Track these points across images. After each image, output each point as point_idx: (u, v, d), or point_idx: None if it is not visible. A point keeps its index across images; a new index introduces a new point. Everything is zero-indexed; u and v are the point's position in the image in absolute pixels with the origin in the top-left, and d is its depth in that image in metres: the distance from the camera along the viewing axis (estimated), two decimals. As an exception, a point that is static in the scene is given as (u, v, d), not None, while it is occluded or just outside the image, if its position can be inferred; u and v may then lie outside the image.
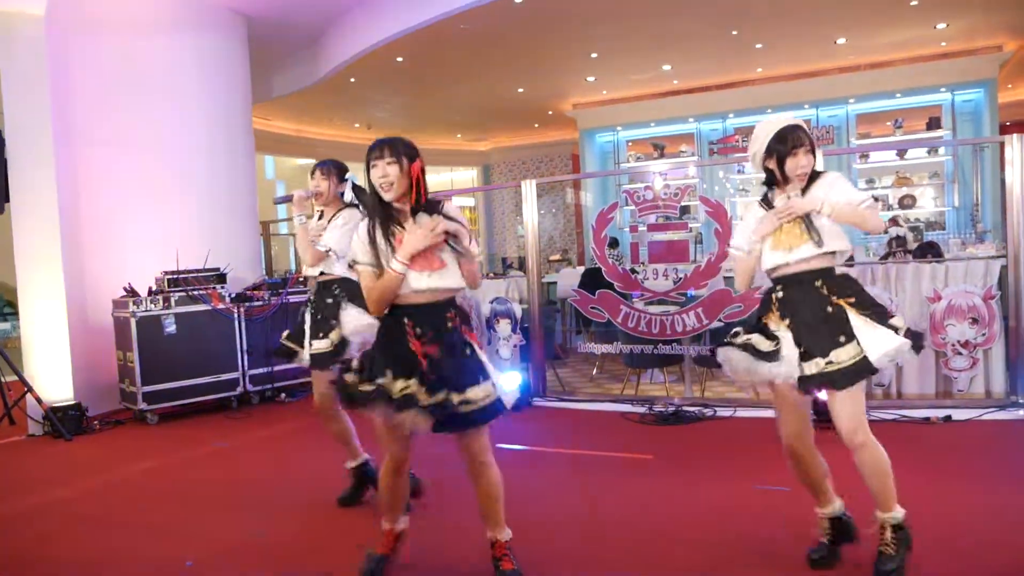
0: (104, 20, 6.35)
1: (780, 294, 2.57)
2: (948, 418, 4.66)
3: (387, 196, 2.47)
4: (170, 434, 5.43)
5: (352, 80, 9.85)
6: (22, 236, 5.73)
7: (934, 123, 10.36)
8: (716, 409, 5.21)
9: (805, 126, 2.61)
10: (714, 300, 5.34)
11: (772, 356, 2.51)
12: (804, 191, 2.59)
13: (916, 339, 2.47)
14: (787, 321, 2.53)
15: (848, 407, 2.44)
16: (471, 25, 7.82)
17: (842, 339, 2.44)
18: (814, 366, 2.45)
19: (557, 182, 14.67)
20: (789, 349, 2.50)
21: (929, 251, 6.13)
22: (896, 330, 2.45)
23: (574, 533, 3.15)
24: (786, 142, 2.56)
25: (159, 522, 3.55)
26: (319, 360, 3.43)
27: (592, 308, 5.74)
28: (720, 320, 5.33)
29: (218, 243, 6.58)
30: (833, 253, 2.55)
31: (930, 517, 3.07)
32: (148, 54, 6.53)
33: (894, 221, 9.37)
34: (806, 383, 2.47)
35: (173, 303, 5.87)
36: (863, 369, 2.42)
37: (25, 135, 5.72)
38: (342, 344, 3.37)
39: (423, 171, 2.50)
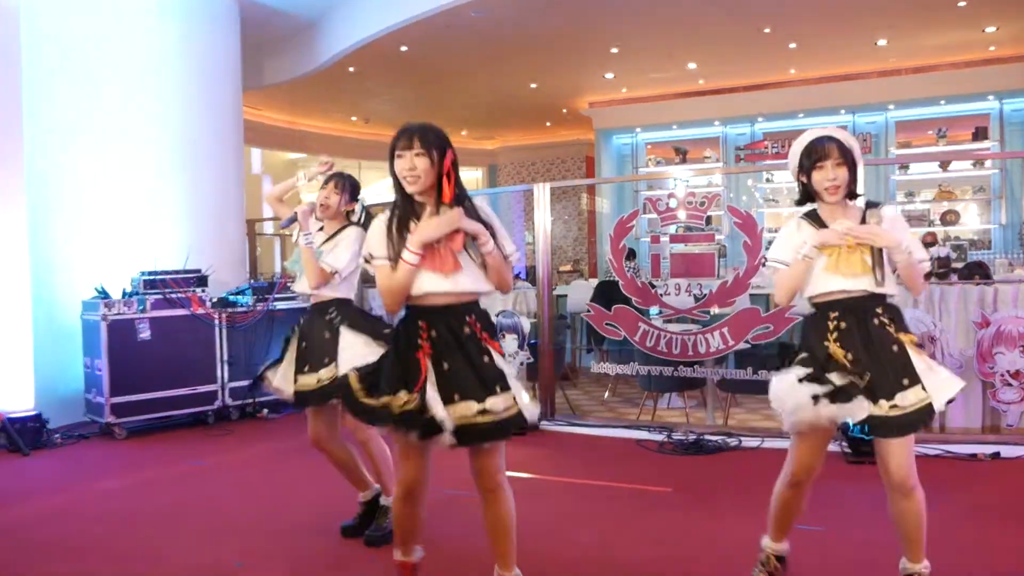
0: (82, 1, 6.34)
1: (841, 323, 2.51)
2: (996, 455, 4.60)
3: (410, 189, 2.44)
4: (140, 451, 5.38)
5: (351, 70, 9.86)
6: (-13, 229, 5.70)
7: (980, 133, 10.36)
8: (741, 439, 5.15)
9: (843, 137, 2.57)
10: (741, 319, 5.29)
11: (845, 396, 2.45)
12: (863, 223, 2.53)
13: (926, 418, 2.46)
14: (848, 355, 2.48)
15: (904, 451, 2.43)
16: (483, 13, 7.83)
17: (906, 381, 2.43)
18: (877, 408, 2.43)
19: (570, 187, 14.66)
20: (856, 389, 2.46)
21: (977, 271, 6.08)
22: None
23: (584, 573, 3.09)
24: (812, 155, 2.56)
25: (125, 549, 3.49)
26: (303, 399, 3.36)
27: (607, 324, 5.70)
28: (747, 342, 5.28)
29: (200, 242, 6.55)
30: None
31: (975, 564, 3.00)
32: (130, 37, 6.53)
33: (931, 238, 9.31)
34: (867, 425, 2.45)
35: (148, 306, 5.83)
36: (926, 416, 2.42)
37: (-6, 119, 5.70)
38: (331, 385, 3.25)
39: (455, 165, 2.46)
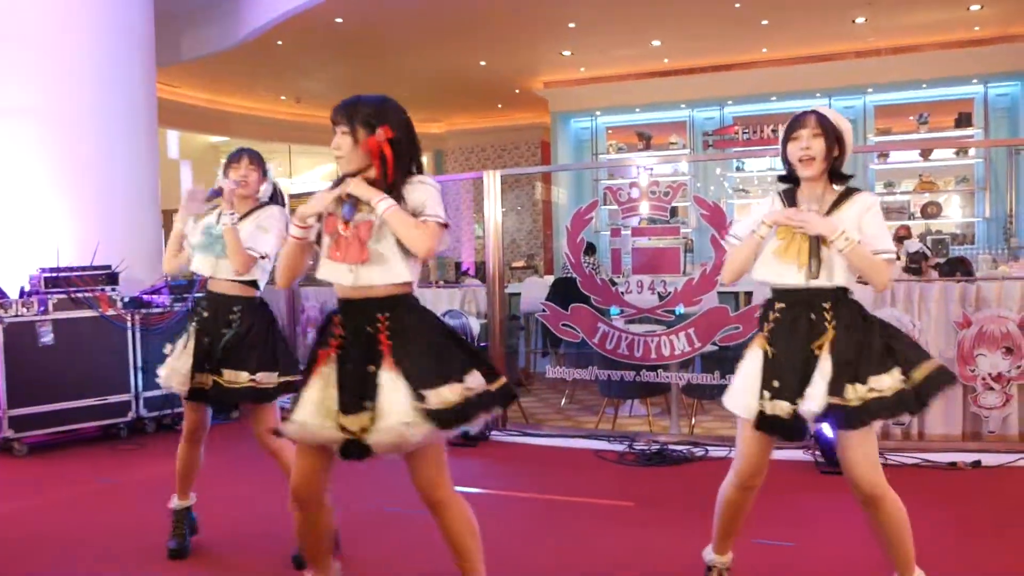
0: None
1: (779, 317, 2.63)
2: (977, 463, 4.76)
3: (340, 167, 2.52)
4: (42, 468, 5.29)
5: (279, 43, 9.78)
6: None
7: (964, 120, 10.65)
8: (708, 448, 5.26)
9: (830, 113, 2.66)
10: (708, 320, 5.40)
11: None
12: (834, 207, 2.61)
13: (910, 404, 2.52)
14: (771, 350, 2.61)
15: (862, 457, 2.51)
16: (426, -17, 7.83)
17: (809, 390, 2.52)
18: (779, 408, 2.55)
19: (524, 175, 14.73)
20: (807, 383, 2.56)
21: (958, 268, 6.28)
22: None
23: (539, 595, 3.14)
24: (790, 128, 2.65)
25: (27, 577, 3.44)
26: (198, 395, 3.44)
27: (563, 325, 5.76)
28: (715, 343, 5.39)
29: (110, 236, 6.45)
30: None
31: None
32: (26, 2, 6.39)
33: (904, 231, 9.46)
34: (761, 422, 2.59)
35: (51, 307, 5.73)
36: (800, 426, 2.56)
37: None
38: (228, 392, 3.36)
39: (395, 143, 2.46)
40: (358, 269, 2.44)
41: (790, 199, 2.70)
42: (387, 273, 2.45)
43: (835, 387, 2.46)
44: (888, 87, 10.90)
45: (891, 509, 2.52)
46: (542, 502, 4.36)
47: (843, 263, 2.55)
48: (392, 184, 2.46)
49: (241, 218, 3.44)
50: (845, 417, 2.46)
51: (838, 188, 2.67)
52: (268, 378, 3.35)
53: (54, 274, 5.88)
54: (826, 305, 2.55)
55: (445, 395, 2.35)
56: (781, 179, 2.77)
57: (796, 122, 2.63)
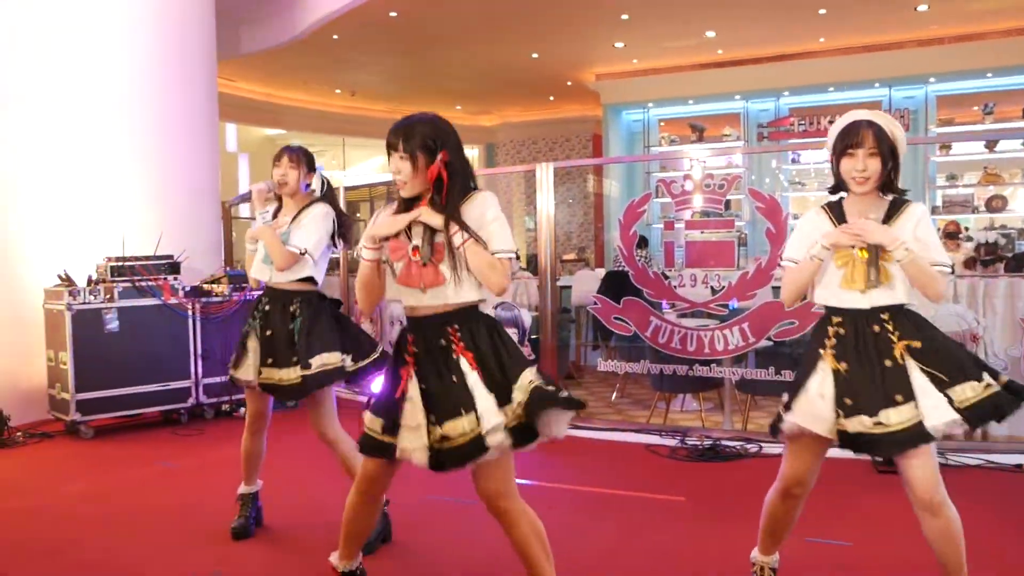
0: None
1: (840, 330, 2.59)
2: (1042, 465, 4.67)
3: (401, 193, 2.53)
4: (107, 451, 5.44)
5: (335, 37, 9.89)
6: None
7: (1030, 110, 10.37)
8: (761, 444, 5.21)
9: (886, 124, 2.59)
10: (762, 314, 5.35)
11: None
12: (887, 220, 2.57)
13: (1017, 393, 2.48)
14: (843, 365, 2.55)
15: (925, 466, 2.47)
16: (481, -24, 7.85)
17: (899, 398, 2.47)
18: (859, 424, 2.49)
19: (576, 167, 14.69)
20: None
21: (1024, 264, 6.13)
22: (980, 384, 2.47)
23: (590, 587, 3.15)
24: (845, 139, 2.58)
25: (92, 557, 3.55)
26: (269, 391, 3.53)
27: (615, 319, 5.75)
28: (769, 339, 5.34)
29: (172, 226, 6.59)
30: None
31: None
32: (97, 5, 6.55)
33: (954, 227, 9.06)
34: (847, 440, 2.53)
35: (116, 295, 5.88)
36: (918, 437, 2.44)
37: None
38: (291, 387, 3.44)
39: (451, 165, 2.48)
40: (430, 291, 2.48)
41: (837, 213, 2.67)
42: (458, 293, 2.48)
43: (945, 395, 2.45)
44: (951, 76, 10.65)
45: (951, 516, 2.49)
46: (592, 495, 4.37)
47: (903, 278, 2.54)
48: (449, 204, 2.47)
49: (294, 217, 3.54)
50: (969, 417, 2.45)
51: (886, 197, 2.64)
52: (331, 359, 3.42)
53: (119, 263, 6.03)
54: (885, 317, 2.54)
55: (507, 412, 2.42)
56: (832, 190, 2.72)
57: (852, 136, 2.56)
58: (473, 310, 2.52)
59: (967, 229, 10.03)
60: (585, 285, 7.77)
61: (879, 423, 2.45)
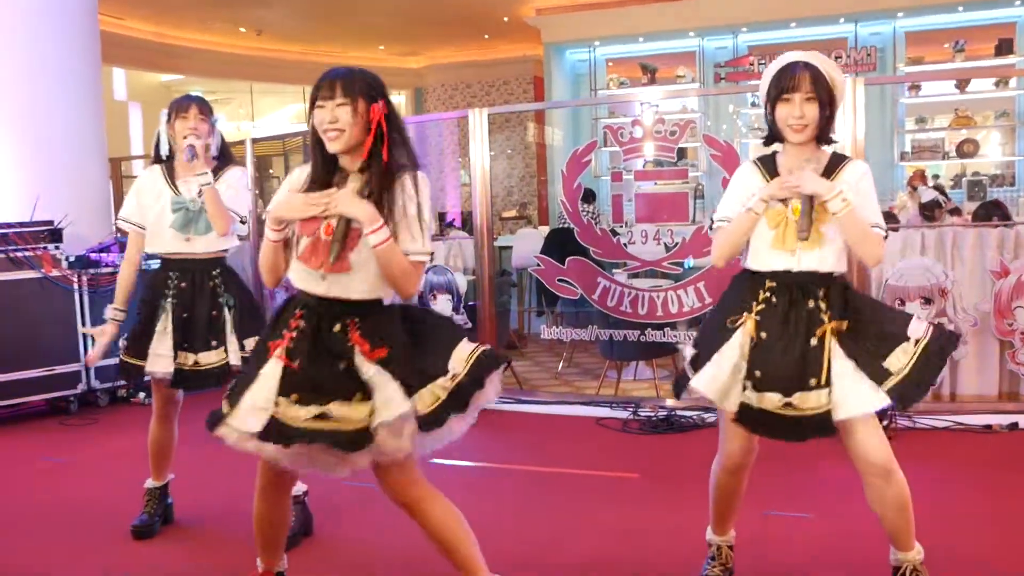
0: None
1: (773, 298, 2.63)
2: (1015, 426, 4.83)
3: (332, 147, 2.46)
4: (-17, 446, 5.32)
5: (237, -32, 9.66)
6: None
7: (1005, 47, 10.57)
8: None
9: (824, 66, 2.62)
10: (719, 272, 5.38)
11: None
12: (827, 173, 2.63)
13: (946, 341, 2.58)
14: (763, 335, 2.60)
15: (877, 431, 2.56)
16: None
17: (812, 382, 2.54)
18: (767, 401, 2.57)
19: (514, 113, 14.65)
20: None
21: (995, 212, 6.30)
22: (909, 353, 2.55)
23: (538, 573, 3.18)
24: (779, 83, 2.61)
25: (-28, 563, 3.48)
26: (183, 379, 3.48)
27: (560, 281, 5.78)
28: (727, 298, 5.41)
29: (51, 188, 6.41)
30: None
31: (989, 549, 3.19)
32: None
33: (919, 179, 9.36)
34: (747, 417, 2.61)
35: (-12, 268, 5.74)
36: (821, 428, 2.54)
37: None
38: (209, 371, 3.45)
39: (390, 117, 2.48)
40: (331, 277, 2.45)
41: (769, 168, 2.72)
42: (363, 285, 2.46)
43: (873, 372, 2.52)
44: (920, 10, 10.80)
45: (903, 482, 2.57)
46: (539, 475, 4.41)
47: (837, 246, 2.60)
48: (387, 169, 2.46)
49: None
50: (900, 396, 2.52)
51: (824, 149, 2.70)
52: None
53: (-10, 231, 5.86)
54: (820, 293, 2.60)
55: (436, 393, 2.43)
56: (766, 141, 2.77)
57: (787, 80, 2.59)
58: (378, 305, 2.51)
59: (936, 177, 10.27)
60: (527, 245, 7.79)
61: (789, 404, 2.54)
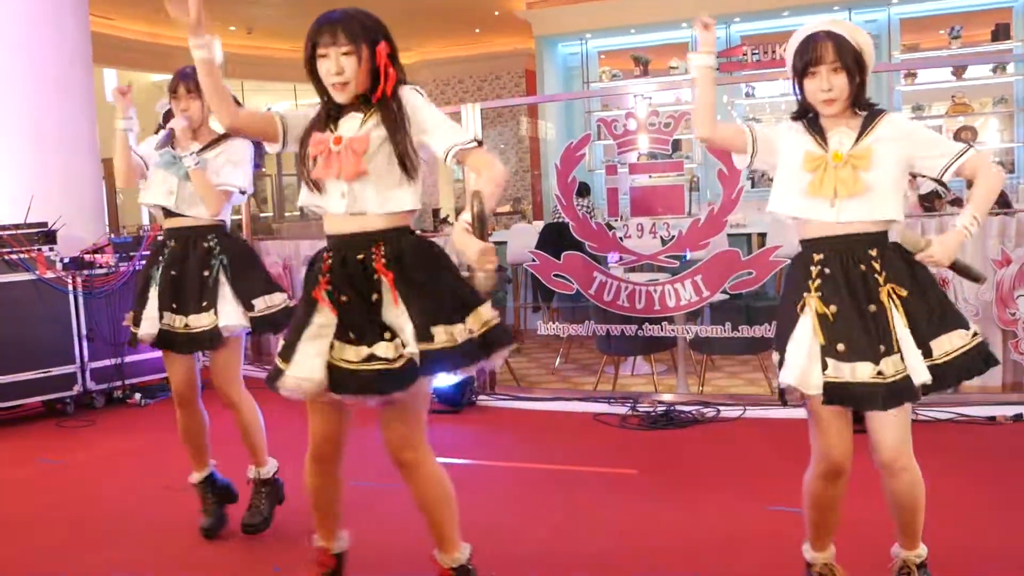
0: None
1: (825, 269, 2.49)
2: (1019, 417, 4.81)
3: (340, 98, 2.48)
4: (-22, 450, 5.31)
5: (227, -35, 9.62)
6: None
7: (1002, 32, 10.54)
8: (719, 408, 5.30)
9: (848, 32, 2.50)
10: (717, 265, 5.41)
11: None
12: (864, 132, 2.50)
13: (988, 357, 2.49)
14: (832, 308, 2.46)
15: (898, 425, 2.47)
16: None
17: (882, 348, 2.41)
18: (861, 372, 2.41)
19: (507, 107, 14.64)
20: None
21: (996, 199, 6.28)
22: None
23: (536, 572, 3.18)
24: (803, 56, 2.49)
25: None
26: (168, 340, 3.44)
27: (555, 276, 5.77)
28: (725, 292, 5.41)
29: (45, 189, 6.40)
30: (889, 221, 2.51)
31: (995, 544, 3.18)
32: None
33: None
34: (836, 392, 2.44)
35: (-19, 271, 5.72)
36: (903, 393, 2.41)
37: None
38: (202, 334, 3.40)
39: (393, 56, 2.50)
40: (351, 191, 2.46)
41: (816, 130, 2.56)
42: (384, 197, 2.48)
43: (922, 348, 2.43)
44: (915, -4, 10.79)
45: (913, 481, 2.52)
46: (536, 472, 4.40)
47: (883, 194, 2.46)
48: (390, 100, 2.50)
49: (204, 148, 3.46)
50: (940, 376, 2.43)
51: (860, 113, 2.57)
52: (275, 299, 3.47)
53: (-17, 234, 5.84)
54: (872, 253, 2.46)
55: (453, 333, 2.42)
56: (796, 116, 2.63)
57: (811, 54, 2.47)
58: (404, 229, 2.54)
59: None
60: (521, 240, 7.78)
61: (880, 372, 2.39)
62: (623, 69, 12.29)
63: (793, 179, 2.53)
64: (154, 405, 6.22)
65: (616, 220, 5.79)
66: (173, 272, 3.43)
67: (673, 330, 5.61)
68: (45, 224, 6.11)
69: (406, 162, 2.47)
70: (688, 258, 5.64)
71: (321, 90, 2.52)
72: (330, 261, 2.50)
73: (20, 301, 5.83)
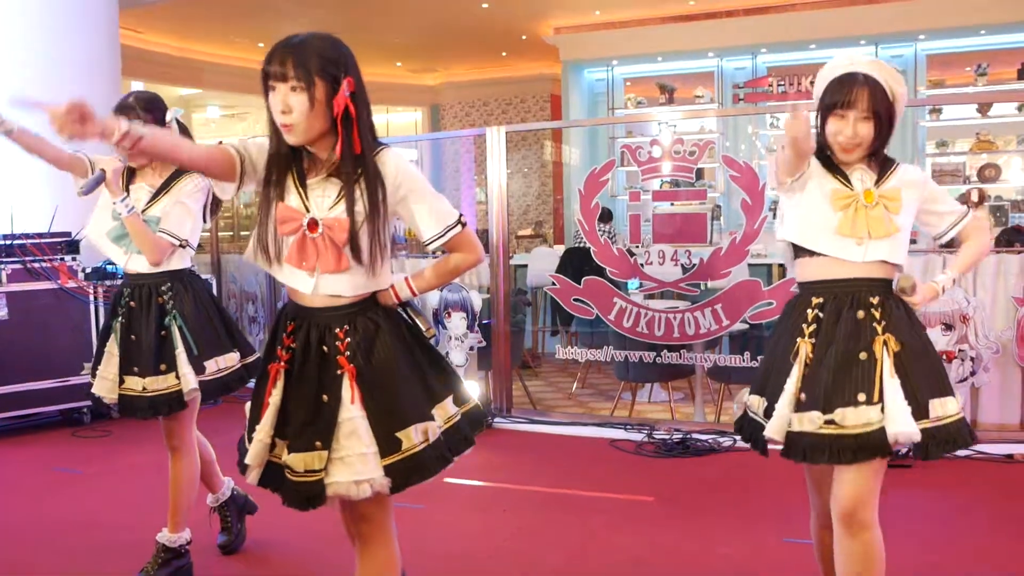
0: None
1: (820, 314, 2.42)
2: (1036, 456, 4.79)
3: (290, 140, 2.12)
4: (-3, 457, 5.35)
5: (257, -17, 9.74)
6: None
7: (1028, 70, 10.55)
8: (736, 438, 5.27)
9: (886, 80, 2.40)
10: (737, 294, 5.41)
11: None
12: (881, 179, 2.45)
13: (970, 432, 2.40)
14: (811, 355, 2.39)
15: (859, 479, 2.34)
16: (422, -85, 7.78)
17: (861, 397, 2.30)
18: (807, 422, 2.33)
19: (531, 131, 14.69)
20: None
21: (1016, 238, 6.28)
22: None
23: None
24: (835, 95, 2.39)
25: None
26: (129, 406, 3.31)
27: (575, 301, 5.78)
28: (745, 321, 5.40)
29: (69, 200, 6.39)
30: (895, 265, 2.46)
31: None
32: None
33: None
34: (792, 445, 2.36)
35: (5, 279, 5.76)
36: (877, 446, 2.29)
37: None
38: (160, 397, 3.23)
39: (357, 97, 2.12)
40: (323, 276, 2.18)
41: (832, 166, 2.49)
42: (356, 283, 2.20)
43: (915, 406, 2.31)
44: (942, 33, 10.80)
45: (872, 542, 2.36)
46: (551, 496, 4.39)
47: (905, 237, 2.42)
48: (361, 154, 2.13)
49: (158, 192, 3.25)
50: (925, 447, 2.32)
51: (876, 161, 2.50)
52: (227, 360, 3.30)
53: (7, 242, 5.88)
54: (874, 301, 2.38)
55: (412, 438, 2.18)
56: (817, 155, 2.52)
57: (843, 94, 2.36)
58: (370, 305, 2.25)
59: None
60: (542, 263, 7.80)
61: (830, 422, 2.29)
62: (648, 96, 12.32)
63: (817, 215, 2.43)
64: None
65: (638, 247, 5.81)
66: (132, 336, 3.24)
67: (692, 358, 5.60)
68: (68, 234, 6.16)
69: (381, 251, 2.17)
70: (708, 287, 5.64)
71: (273, 128, 2.15)
72: (292, 334, 2.24)
73: (40, 310, 5.88)
